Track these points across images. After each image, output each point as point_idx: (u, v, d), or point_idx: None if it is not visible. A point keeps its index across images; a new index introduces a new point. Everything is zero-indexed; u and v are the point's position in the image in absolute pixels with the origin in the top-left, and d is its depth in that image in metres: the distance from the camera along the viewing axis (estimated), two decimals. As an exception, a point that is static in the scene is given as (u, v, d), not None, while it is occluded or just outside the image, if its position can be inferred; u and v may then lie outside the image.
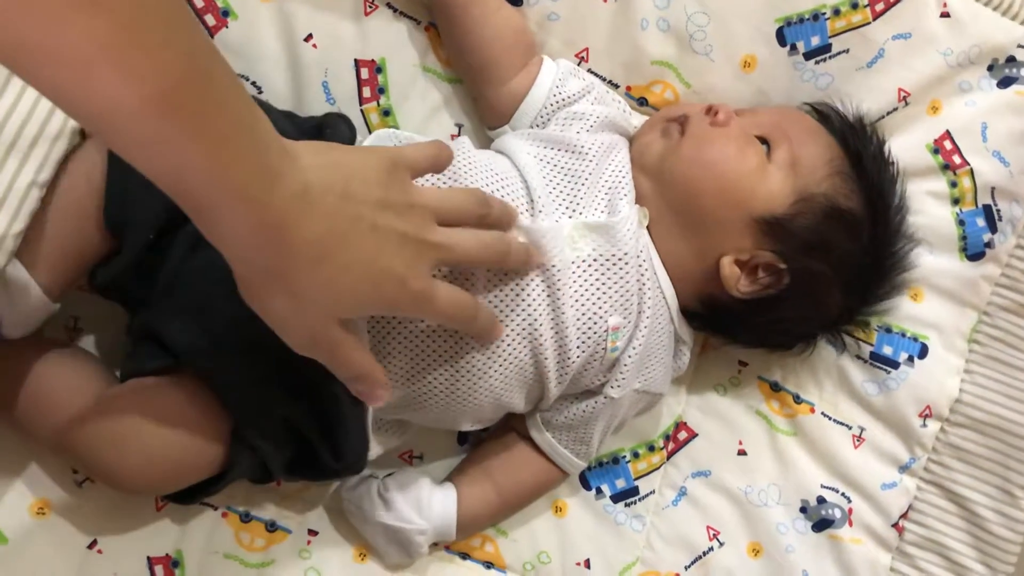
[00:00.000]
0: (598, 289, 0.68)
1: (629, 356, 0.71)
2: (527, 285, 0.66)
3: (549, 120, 0.76)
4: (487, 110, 0.78)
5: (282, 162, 0.47)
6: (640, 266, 0.70)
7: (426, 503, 0.75)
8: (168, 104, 0.40)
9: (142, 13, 0.38)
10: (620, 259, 0.69)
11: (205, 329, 0.63)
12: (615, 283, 0.69)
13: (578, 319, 0.68)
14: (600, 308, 0.68)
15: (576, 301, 0.67)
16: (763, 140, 0.73)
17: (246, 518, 0.77)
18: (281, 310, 0.51)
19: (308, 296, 0.51)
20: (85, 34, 0.37)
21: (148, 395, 0.64)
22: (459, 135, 0.79)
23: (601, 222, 0.69)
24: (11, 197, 0.58)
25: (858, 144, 0.76)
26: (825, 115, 0.78)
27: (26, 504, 0.70)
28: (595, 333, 0.68)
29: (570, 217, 0.68)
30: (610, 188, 0.71)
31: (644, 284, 0.70)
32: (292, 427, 0.66)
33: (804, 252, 0.71)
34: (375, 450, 0.72)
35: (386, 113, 0.77)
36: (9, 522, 0.69)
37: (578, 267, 0.68)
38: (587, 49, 0.79)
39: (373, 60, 0.76)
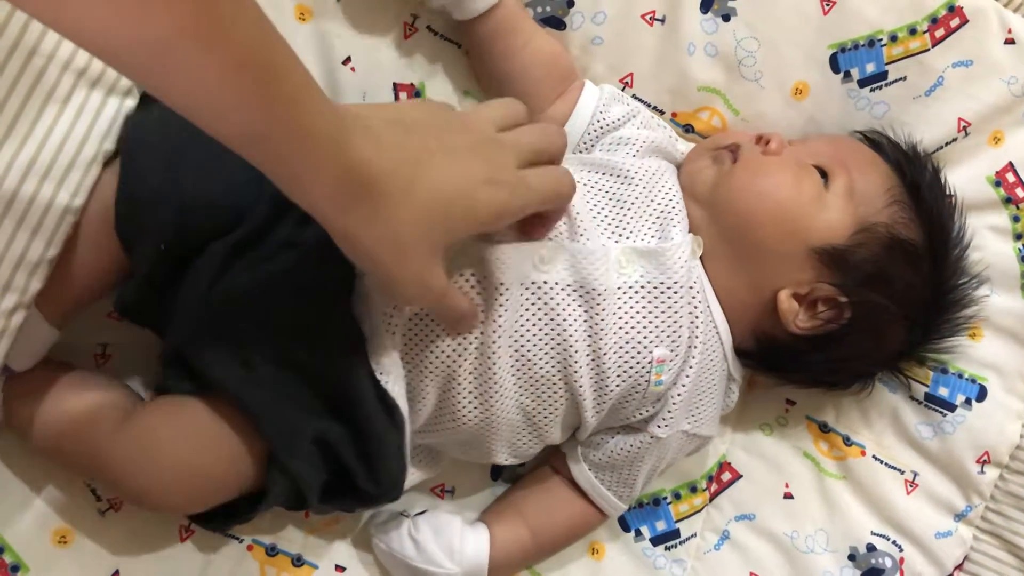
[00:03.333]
0: (644, 318, 0.66)
1: (678, 394, 0.68)
2: (564, 308, 0.64)
3: (594, 145, 0.74)
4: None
5: (344, 112, 0.49)
6: (693, 298, 0.67)
7: (458, 547, 0.72)
8: (244, 73, 0.43)
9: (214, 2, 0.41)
10: (670, 288, 0.66)
11: (238, 358, 0.61)
12: (663, 313, 0.66)
13: (620, 347, 0.65)
14: (645, 338, 0.66)
15: (620, 328, 0.65)
16: (819, 169, 0.70)
17: (272, 552, 0.75)
18: (388, 262, 0.52)
19: (408, 228, 0.51)
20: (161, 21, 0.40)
21: (178, 408, 0.63)
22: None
23: (651, 247, 0.67)
24: (47, 222, 0.58)
25: (915, 173, 0.73)
26: (877, 143, 0.76)
27: (48, 532, 0.69)
28: (637, 363, 0.66)
29: (616, 242, 0.66)
30: (661, 214, 0.69)
31: (696, 318, 0.68)
32: (328, 449, 0.64)
33: (866, 285, 0.69)
34: (409, 479, 0.69)
35: (424, 138, 0.76)
36: (30, 550, 0.68)
37: (624, 293, 0.65)
38: (632, 74, 0.77)
39: (412, 84, 0.75)
